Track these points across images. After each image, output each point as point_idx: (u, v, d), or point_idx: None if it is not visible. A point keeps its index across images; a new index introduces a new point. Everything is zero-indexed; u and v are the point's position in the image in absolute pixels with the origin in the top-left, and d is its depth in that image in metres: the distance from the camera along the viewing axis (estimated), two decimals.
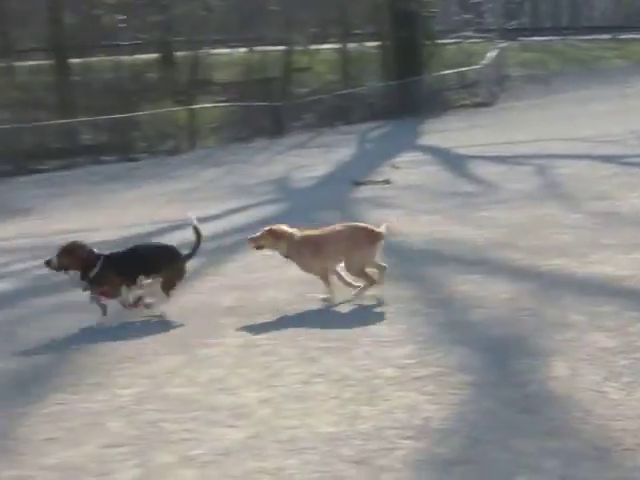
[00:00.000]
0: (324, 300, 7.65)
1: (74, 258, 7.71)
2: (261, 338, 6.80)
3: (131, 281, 7.76)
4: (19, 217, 18.69)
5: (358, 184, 16.20)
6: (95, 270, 7.69)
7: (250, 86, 33.98)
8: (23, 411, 5.66)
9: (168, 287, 7.78)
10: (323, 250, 7.63)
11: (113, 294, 7.77)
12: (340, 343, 6.46)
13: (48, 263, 7.81)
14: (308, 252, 7.68)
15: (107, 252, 7.85)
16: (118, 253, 7.87)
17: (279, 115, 32.14)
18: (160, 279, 7.75)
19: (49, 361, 6.80)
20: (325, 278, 7.71)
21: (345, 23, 38.43)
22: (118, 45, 33.37)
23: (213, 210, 15.04)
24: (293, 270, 8.01)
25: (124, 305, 7.83)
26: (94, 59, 32.94)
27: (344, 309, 7.45)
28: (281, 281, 8.41)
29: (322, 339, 6.60)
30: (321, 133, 29.99)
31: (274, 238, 7.77)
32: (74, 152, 28.92)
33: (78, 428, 5.29)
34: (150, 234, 13.21)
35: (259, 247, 7.91)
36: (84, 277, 7.73)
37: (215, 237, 12.19)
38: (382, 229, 7.62)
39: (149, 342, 6.99)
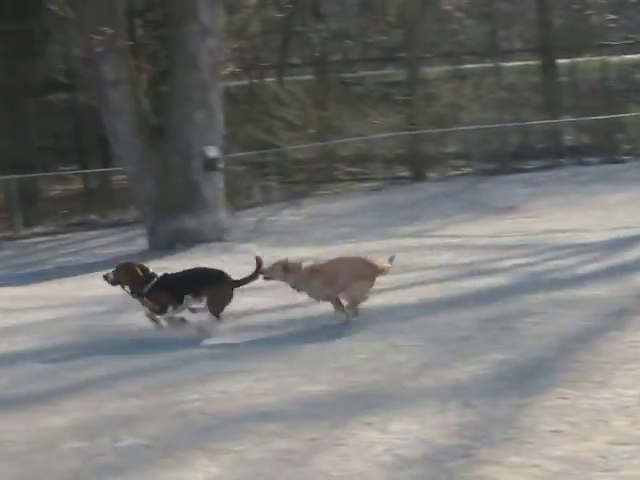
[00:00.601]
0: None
1: (128, 275, 8.60)
2: None
3: (178, 300, 8.56)
4: (503, 215, 19.03)
5: None
6: (148, 287, 8.53)
7: None
8: (526, 402, 5.77)
9: (215, 308, 8.52)
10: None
11: (160, 311, 8.56)
12: None
13: (105, 277, 8.74)
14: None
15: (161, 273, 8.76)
16: (171, 275, 8.76)
17: None
18: (206, 299, 8.56)
19: (549, 355, 6.88)
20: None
21: None
22: (606, 45, 32.91)
23: None
24: None
25: (170, 322, 8.61)
26: (581, 59, 32.73)
27: None
28: None
29: None
30: None
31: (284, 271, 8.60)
32: (557, 152, 28.96)
33: (582, 423, 5.30)
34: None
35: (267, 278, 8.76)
36: (137, 293, 8.58)
37: None
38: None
39: None
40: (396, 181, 27.39)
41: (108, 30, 17.38)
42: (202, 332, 8.55)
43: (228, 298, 8.68)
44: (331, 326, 8.47)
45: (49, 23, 25.46)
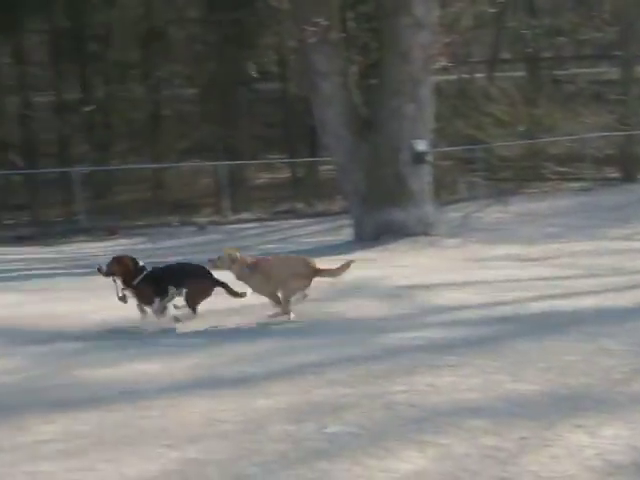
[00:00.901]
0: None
1: (122, 267, 9.14)
2: None
3: (163, 293, 9.09)
4: None
5: None
6: (137, 280, 9.10)
7: None
8: None
9: (192, 301, 9.03)
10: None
11: (147, 302, 9.15)
12: None
13: (99, 269, 9.26)
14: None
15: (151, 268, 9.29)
16: (158, 268, 9.33)
17: None
18: (185, 292, 9.05)
19: None
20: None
21: None
22: None
23: None
24: None
25: (156, 313, 9.16)
26: None
27: None
28: None
29: None
30: None
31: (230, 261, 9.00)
32: None
33: None
34: None
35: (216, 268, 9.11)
36: (128, 285, 9.11)
37: None
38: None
39: None
40: (606, 182, 26.76)
41: (322, 21, 17.61)
42: (177, 322, 9.13)
43: (205, 293, 9.12)
44: (540, 324, 8.35)
45: (262, 13, 26.05)
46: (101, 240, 22.57)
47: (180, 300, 9.28)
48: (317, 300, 10.26)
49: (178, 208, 26.48)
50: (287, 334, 8.54)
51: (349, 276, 12.26)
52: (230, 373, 7.06)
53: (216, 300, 9.40)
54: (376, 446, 5.21)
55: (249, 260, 9.21)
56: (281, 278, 9.01)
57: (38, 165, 30.12)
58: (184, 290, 9.16)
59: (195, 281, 9.13)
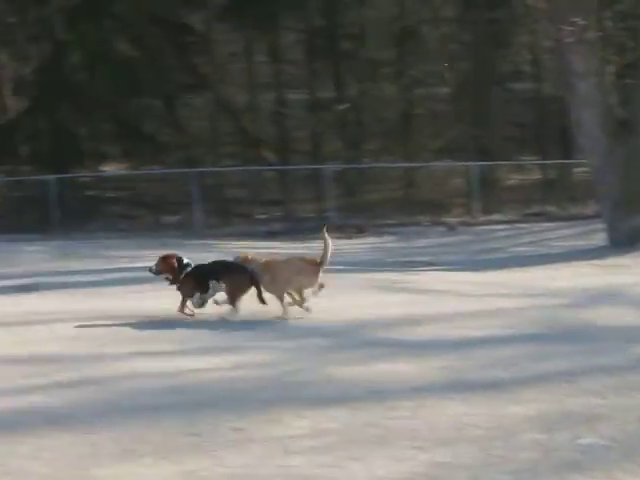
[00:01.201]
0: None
1: (168, 265, 9.76)
2: None
3: (204, 287, 9.59)
4: None
5: None
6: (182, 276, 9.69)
7: None
8: None
9: (230, 295, 9.48)
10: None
11: (187, 294, 9.69)
12: None
13: (150, 270, 9.92)
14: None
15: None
16: (200, 265, 9.86)
17: None
18: (224, 286, 9.54)
19: None
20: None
21: None
22: None
23: None
24: None
25: (197, 306, 9.72)
26: None
27: None
28: None
29: None
30: None
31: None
32: None
33: None
34: None
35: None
36: (175, 281, 9.72)
37: None
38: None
39: None
40: None
41: (579, 21, 17.21)
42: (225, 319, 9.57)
43: (242, 289, 9.55)
44: None
45: (518, 12, 25.73)
46: (350, 238, 22.83)
47: (221, 295, 9.71)
48: (567, 306, 10.08)
49: (429, 208, 26.52)
50: (536, 340, 8.40)
51: (600, 282, 12.01)
52: (480, 377, 7.02)
53: (463, 304, 9.36)
54: (631, 461, 5.06)
55: (262, 260, 9.84)
56: (284, 278, 9.57)
57: (290, 162, 30.84)
58: (223, 284, 9.64)
59: (232, 275, 9.62)
